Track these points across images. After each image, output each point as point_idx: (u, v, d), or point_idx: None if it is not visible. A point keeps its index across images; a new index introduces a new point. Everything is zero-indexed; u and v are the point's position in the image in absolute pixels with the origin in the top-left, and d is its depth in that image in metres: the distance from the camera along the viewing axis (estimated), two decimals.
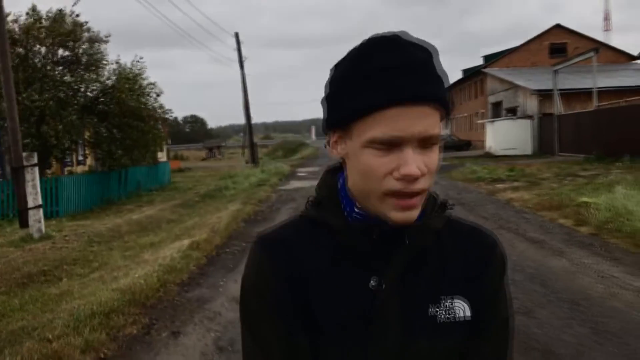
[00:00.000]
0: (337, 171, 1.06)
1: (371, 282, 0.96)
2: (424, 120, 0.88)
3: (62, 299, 6.89)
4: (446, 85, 0.94)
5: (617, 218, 9.29)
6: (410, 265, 0.98)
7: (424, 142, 0.90)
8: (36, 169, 11.38)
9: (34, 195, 11.30)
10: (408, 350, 0.96)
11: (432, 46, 0.94)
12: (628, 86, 30.16)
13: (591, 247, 8.14)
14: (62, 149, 16.48)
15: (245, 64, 39.05)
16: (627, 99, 24.68)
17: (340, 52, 1.03)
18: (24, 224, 11.61)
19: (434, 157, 0.92)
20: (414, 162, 0.88)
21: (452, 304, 0.99)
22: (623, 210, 9.57)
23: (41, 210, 11.36)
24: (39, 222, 11.35)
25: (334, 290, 0.96)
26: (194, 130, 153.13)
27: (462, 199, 14.30)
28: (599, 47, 34.12)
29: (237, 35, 39.36)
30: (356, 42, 0.97)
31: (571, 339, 4.58)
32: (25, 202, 11.33)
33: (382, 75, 0.89)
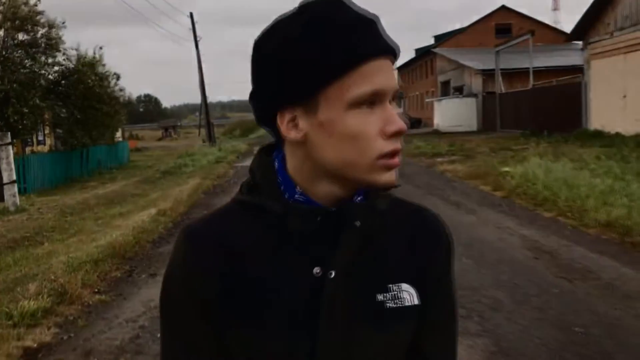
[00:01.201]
0: (271, 151, 0.97)
1: (315, 269, 0.89)
2: (393, 73, 0.86)
3: (50, 256, 8.05)
4: None
5: (525, 183, 10.94)
6: (356, 250, 0.91)
7: (393, 98, 0.86)
8: (10, 147, 12.37)
9: (8, 171, 12.29)
10: (355, 340, 0.90)
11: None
12: (561, 66, 32.28)
13: (499, 207, 9.74)
14: (27, 129, 17.31)
15: (202, 43, 39.71)
16: (558, 79, 26.65)
17: None
18: (0, 198, 12.57)
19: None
20: (398, 116, 0.85)
21: (399, 291, 0.94)
22: (531, 177, 11.23)
23: (15, 186, 12.38)
24: (14, 196, 12.36)
25: (275, 280, 0.89)
26: (147, 110, 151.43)
27: (402, 171, 15.49)
28: (535, 29, 36.24)
29: (191, 15, 39.93)
30: None
31: (456, 267, 6.08)
32: (1, 178, 12.29)
33: (352, 28, 0.83)
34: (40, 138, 26.14)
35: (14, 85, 16.62)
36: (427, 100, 49.07)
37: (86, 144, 20.45)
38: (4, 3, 17.68)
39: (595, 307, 4.77)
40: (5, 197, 12.30)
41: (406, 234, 0.99)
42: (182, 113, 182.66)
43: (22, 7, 17.87)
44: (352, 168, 0.86)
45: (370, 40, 0.84)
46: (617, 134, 19.05)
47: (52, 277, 6.10)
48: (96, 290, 6.01)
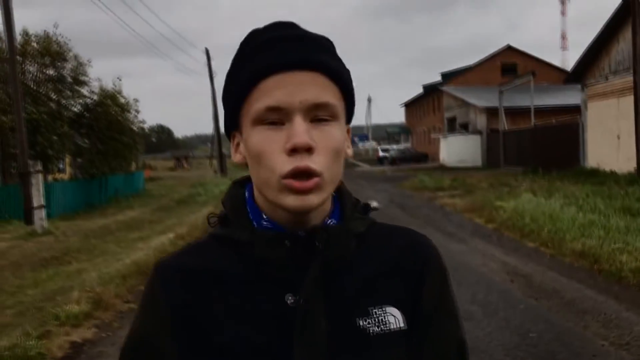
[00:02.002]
0: (244, 184, 0.96)
1: (288, 297, 0.85)
2: (310, 87, 0.81)
3: (80, 273, 8.98)
4: (344, 68, 0.89)
5: (515, 217, 11.81)
6: (331, 275, 0.87)
7: (316, 113, 0.82)
8: (40, 175, 13.43)
9: (37, 197, 13.31)
10: None
11: (328, 38, 0.90)
12: (562, 105, 33.30)
13: (489, 237, 10.61)
14: (56, 157, 18.45)
15: (215, 77, 41.16)
16: (557, 118, 27.65)
17: None
18: (29, 221, 13.59)
19: (332, 134, 0.83)
20: (304, 131, 0.80)
21: (384, 315, 0.89)
22: (521, 211, 12.10)
23: (44, 210, 13.39)
24: (42, 219, 13.36)
25: (247, 312, 0.86)
26: (160, 140, 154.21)
27: (404, 204, 16.78)
28: (539, 69, 37.59)
29: (207, 51, 41.47)
30: None
31: None
32: (31, 202, 13.32)
33: (261, 46, 0.84)
34: (61, 166, 27.34)
35: (43, 115, 17.81)
36: (433, 136, 50.15)
37: (105, 173, 21.54)
38: (38, 42, 19.03)
39: (552, 319, 5.62)
40: (35, 220, 13.29)
41: (390, 257, 0.94)
42: (193, 143, 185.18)
43: (54, 45, 19.20)
44: (266, 189, 0.84)
45: (272, 56, 0.82)
46: (612, 172, 19.91)
47: (88, 289, 7.02)
48: (125, 300, 6.93)
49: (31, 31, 19.44)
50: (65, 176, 26.26)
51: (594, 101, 22.33)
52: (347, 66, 0.90)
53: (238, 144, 0.91)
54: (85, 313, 6.15)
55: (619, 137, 20.32)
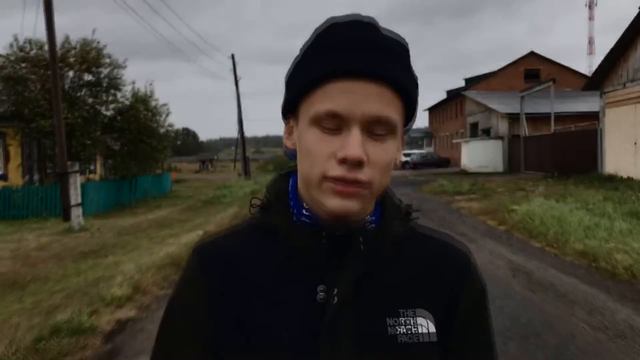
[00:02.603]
0: (289, 175, 0.99)
1: (320, 292, 0.86)
2: (374, 100, 0.81)
3: (117, 265, 9.79)
4: (413, 81, 0.87)
5: (525, 219, 12.36)
6: (365, 275, 0.88)
7: (374, 127, 0.82)
8: (77, 175, 14.34)
9: (75, 195, 14.23)
10: None
11: (405, 40, 0.88)
12: (582, 112, 33.52)
13: (499, 238, 11.18)
14: (88, 159, 19.47)
15: (239, 82, 42.12)
16: (577, 124, 27.94)
17: None
18: (67, 218, 14.52)
19: (387, 149, 0.84)
20: (358, 145, 0.80)
21: (413, 318, 0.89)
22: (532, 214, 12.65)
23: (80, 208, 14.29)
24: (79, 217, 14.27)
25: (278, 302, 0.87)
26: (185, 143, 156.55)
27: (421, 207, 17.25)
28: (561, 75, 37.86)
29: (233, 57, 42.53)
30: None
31: None
32: (69, 200, 14.24)
33: (336, 46, 0.83)
34: (92, 167, 28.47)
35: (79, 120, 18.83)
36: (454, 141, 50.48)
37: (135, 174, 22.53)
38: (75, 48, 20.12)
39: (544, 308, 6.24)
40: (72, 218, 14.20)
41: (427, 264, 0.93)
42: (217, 146, 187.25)
43: (92, 51, 20.25)
44: (309, 185, 0.86)
45: (344, 61, 0.81)
46: (629, 178, 20.24)
47: (128, 276, 7.82)
48: (161, 287, 7.70)
49: (72, 39, 20.55)
50: (96, 177, 27.36)
51: (612, 108, 22.66)
52: None
53: (292, 130, 0.93)
54: (127, 296, 6.94)
55: (635, 144, 20.63)
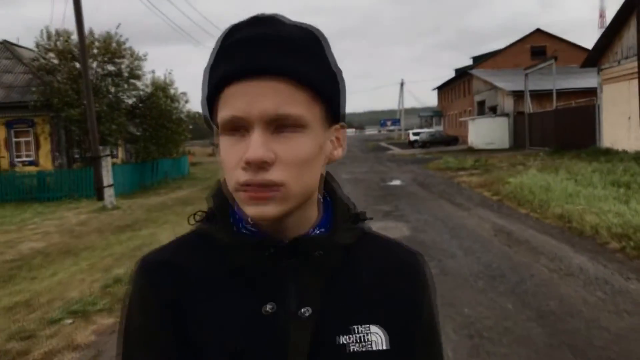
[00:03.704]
0: None
1: (266, 306, 0.83)
2: (270, 98, 0.77)
3: (152, 236, 11.19)
4: (323, 70, 0.82)
5: (517, 190, 13.60)
6: (314, 287, 0.85)
7: (277, 125, 0.79)
8: (109, 158, 15.75)
9: (107, 177, 15.65)
10: None
11: (319, 30, 0.85)
12: (584, 87, 34.30)
13: (490, 207, 12.45)
14: (114, 143, 20.95)
15: None
16: (578, 100, 28.92)
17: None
18: (100, 198, 15.97)
19: (297, 145, 0.80)
20: (259, 146, 0.77)
21: (367, 334, 0.86)
22: (522, 185, 13.89)
23: (113, 188, 15.73)
24: (111, 196, 15.71)
25: (224, 318, 0.84)
26: (197, 127, 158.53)
27: (424, 182, 18.65)
28: (567, 51, 38.66)
29: None
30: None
31: (437, 237, 8.93)
32: (101, 182, 15.68)
33: (231, 49, 0.80)
34: (114, 152, 30.03)
35: (104, 107, 20.27)
36: (461, 119, 51.47)
37: (156, 157, 23.99)
38: (98, 40, 21.53)
39: (514, 257, 7.54)
40: (105, 197, 15.65)
41: (378, 274, 0.91)
42: None
43: (113, 44, 21.67)
44: (233, 196, 0.82)
45: (235, 63, 0.78)
46: (623, 151, 21.34)
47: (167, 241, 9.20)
48: None
49: (96, 33, 21.99)
50: (117, 161, 28.90)
51: (608, 84, 23.67)
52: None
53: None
54: None
55: (629, 118, 21.68)
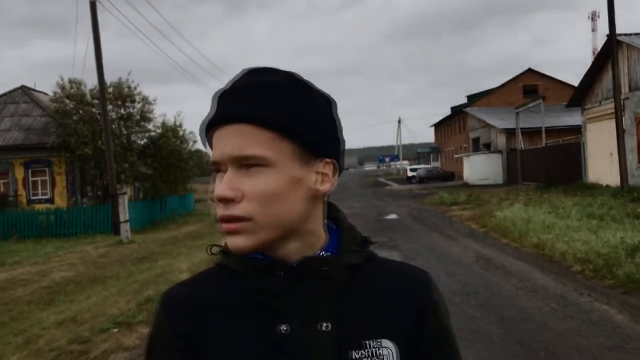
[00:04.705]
0: None
1: (281, 327, 0.89)
2: (234, 140, 0.86)
3: (170, 265, 12.38)
4: (296, 110, 0.89)
5: (501, 222, 14.85)
6: (326, 307, 0.90)
7: (241, 164, 0.87)
8: (125, 196, 17.06)
9: (124, 213, 16.91)
10: None
11: (290, 80, 0.92)
12: (570, 125, 35.81)
13: (476, 237, 13.67)
14: (126, 182, 22.32)
15: None
16: (566, 138, 30.40)
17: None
18: (117, 232, 17.20)
19: (260, 181, 0.87)
20: (224, 185, 0.86)
21: (379, 348, 0.91)
22: (507, 218, 15.14)
23: (128, 224, 16.96)
24: (127, 231, 16.94)
25: (240, 342, 0.89)
26: (198, 165, 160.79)
27: (419, 216, 19.91)
28: (555, 89, 40.44)
29: None
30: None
31: (424, 263, 10.14)
32: (118, 217, 16.94)
33: (215, 100, 0.90)
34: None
35: (118, 148, 21.71)
36: (455, 155, 53.00)
37: (164, 195, 25.35)
38: (111, 86, 23.17)
39: (489, 279, 8.74)
40: (121, 232, 16.88)
41: (388, 291, 0.96)
42: None
43: (125, 89, 23.31)
44: None
45: (215, 112, 0.88)
46: (607, 186, 22.63)
47: (186, 268, 10.41)
48: None
49: (108, 80, 23.68)
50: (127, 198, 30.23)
51: (592, 123, 25.13)
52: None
53: None
54: None
55: (611, 155, 23.05)
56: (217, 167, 0.88)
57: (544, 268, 9.43)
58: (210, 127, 0.89)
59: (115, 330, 6.87)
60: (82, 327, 7.22)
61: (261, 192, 0.86)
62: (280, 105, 0.88)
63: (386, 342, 0.91)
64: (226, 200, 0.85)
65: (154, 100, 24.52)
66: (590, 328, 6.03)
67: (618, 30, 20.24)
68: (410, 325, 0.94)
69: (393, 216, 20.53)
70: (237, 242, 0.87)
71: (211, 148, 0.90)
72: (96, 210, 21.02)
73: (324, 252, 0.94)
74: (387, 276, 0.98)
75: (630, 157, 21.78)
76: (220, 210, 0.86)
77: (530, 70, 54.02)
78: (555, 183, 27.41)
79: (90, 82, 24.24)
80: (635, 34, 22.36)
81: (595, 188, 22.92)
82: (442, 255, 11.10)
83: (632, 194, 18.35)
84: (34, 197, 24.32)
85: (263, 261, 0.92)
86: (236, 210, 0.85)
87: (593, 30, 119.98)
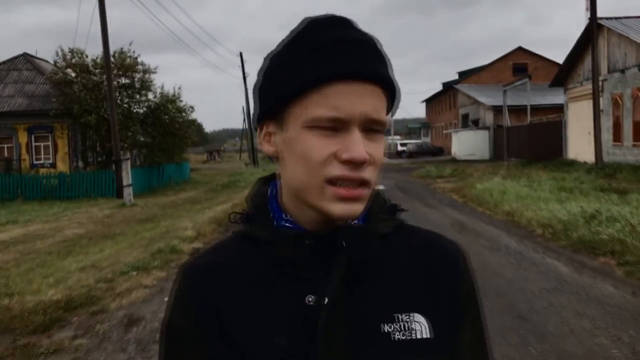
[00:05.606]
0: (269, 181, 0.98)
1: (309, 297, 0.86)
2: (371, 101, 0.81)
3: (173, 225, 13.47)
4: (392, 73, 0.86)
5: (480, 193, 16.02)
6: (354, 276, 0.87)
7: (370, 127, 0.83)
8: (128, 161, 18.05)
9: (127, 178, 17.93)
10: None
11: (378, 41, 0.88)
12: (555, 104, 36.98)
13: (455, 206, 14.84)
14: (127, 149, 23.32)
15: (235, 71, 45.82)
16: (550, 116, 31.57)
17: None
18: (120, 196, 18.25)
19: (380, 147, 0.84)
20: (362, 145, 0.80)
21: (409, 322, 0.87)
22: (485, 190, 16.31)
23: (131, 188, 18.00)
24: (130, 195, 17.98)
25: (267, 312, 0.87)
26: (196, 133, 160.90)
27: (404, 187, 21.08)
28: (544, 68, 41.47)
29: (241, 55, 46.16)
30: None
31: None
32: (121, 182, 17.96)
33: (330, 48, 0.82)
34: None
35: (120, 116, 22.64)
36: (444, 131, 54.14)
37: (162, 162, 26.36)
38: (115, 56, 23.96)
39: (460, 240, 9.82)
40: (124, 196, 17.92)
41: (419, 262, 0.93)
42: (222, 137, 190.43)
43: (128, 59, 24.14)
44: (305, 192, 0.84)
45: (340, 63, 0.80)
46: (585, 162, 23.86)
47: (190, 227, 11.52)
48: (214, 233, 11.39)
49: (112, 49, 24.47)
50: None
51: (573, 102, 26.27)
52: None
53: (269, 135, 0.89)
54: (194, 237, 10.64)
55: (589, 133, 24.24)
56: (334, 125, 0.81)
57: (510, 232, 10.60)
58: (334, 77, 0.80)
59: (134, 273, 7.98)
60: (103, 271, 8.32)
61: (381, 158, 0.85)
62: (392, 71, 0.87)
63: (418, 317, 0.88)
64: (361, 164, 0.81)
65: (155, 69, 25.41)
66: (537, 276, 7.21)
67: (605, 14, 21.27)
68: (444, 300, 0.91)
69: (380, 187, 21.62)
70: (354, 209, 0.83)
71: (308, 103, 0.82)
72: (98, 175, 22.02)
73: (354, 221, 0.88)
74: (419, 247, 0.95)
75: (607, 136, 22.98)
76: (346, 171, 0.81)
77: (520, 48, 54.95)
78: (538, 159, 28.61)
79: (89, 51, 24.85)
80: (616, 18, 23.38)
81: (573, 165, 24.14)
82: (421, 220, 12.24)
83: (605, 170, 19.61)
84: (37, 162, 25.26)
85: (293, 230, 0.89)
86: (366, 174, 0.82)
87: (587, 9, 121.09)
